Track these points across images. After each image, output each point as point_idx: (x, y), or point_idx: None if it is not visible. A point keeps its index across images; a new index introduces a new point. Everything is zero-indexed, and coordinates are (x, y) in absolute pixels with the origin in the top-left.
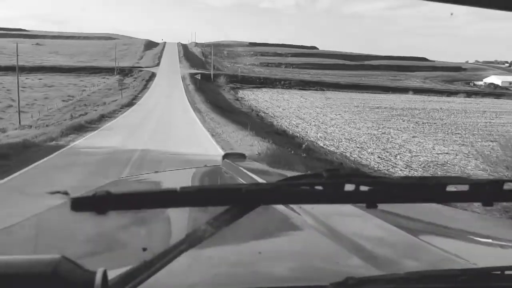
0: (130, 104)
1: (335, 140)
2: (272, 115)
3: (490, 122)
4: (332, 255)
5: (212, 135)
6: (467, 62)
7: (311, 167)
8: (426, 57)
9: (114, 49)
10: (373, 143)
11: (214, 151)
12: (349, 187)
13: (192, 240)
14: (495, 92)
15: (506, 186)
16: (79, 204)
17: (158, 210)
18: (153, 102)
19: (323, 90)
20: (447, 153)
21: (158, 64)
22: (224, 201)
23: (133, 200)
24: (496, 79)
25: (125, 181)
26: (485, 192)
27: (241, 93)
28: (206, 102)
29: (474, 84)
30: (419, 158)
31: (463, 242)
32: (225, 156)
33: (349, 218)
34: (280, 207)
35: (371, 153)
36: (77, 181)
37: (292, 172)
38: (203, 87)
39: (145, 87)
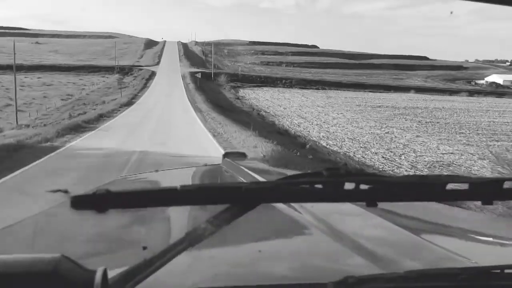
0: (129, 103)
1: (338, 140)
2: (273, 114)
3: (493, 121)
4: (332, 253)
5: (214, 135)
6: (466, 61)
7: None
8: (427, 56)
9: (114, 48)
10: (376, 143)
11: (216, 153)
12: (349, 185)
13: (192, 239)
14: (497, 91)
15: (506, 185)
16: (79, 203)
17: (158, 209)
18: (153, 101)
19: (325, 89)
20: (452, 153)
21: (158, 63)
22: (224, 199)
23: (133, 198)
24: (497, 78)
25: (125, 179)
26: (485, 191)
27: (241, 92)
28: (206, 101)
29: (476, 83)
30: (424, 158)
31: (463, 241)
32: (225, 155)
33: (349, 216)
34: (280, 206)
35: (375, 153)
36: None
37: (292, 171)
38: (204, 86)
39: (145, 86)
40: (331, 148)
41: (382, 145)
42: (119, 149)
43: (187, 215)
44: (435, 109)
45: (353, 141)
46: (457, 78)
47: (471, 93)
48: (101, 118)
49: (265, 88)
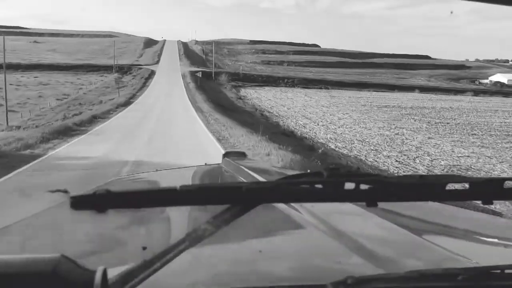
0: (127, 103)
1: (347, 142)
2: (277, 114)
3: (504, 122)
4: (332, 253)
5: (219, 140)
6: (467, 60)
7: None
8: (429, 55)
9: (113, 47)
10: (387, 145)
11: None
12: (349, 185)
13: (192, 239)
14: (502, 90)
15: (506, 185)
16: (79, 203)
17: (158, 209)
18: (152, 101)
19: (327, 88)
20: (468, 156)
21: (157, 62)
22: (225, 199)
23: (133, 198)
24: (502, 77)
25: (125, 179)
26: (485, 191)
27: (243, 92)
28: (208, 101)
29: (480, 83)
30: (440, 162)
31: (464, 241)
32: (226, 154)
33: (349, 216)
34: (281, 206)
35: (388, 156)
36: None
37: (292, 171)
38: (204, 85)
39: (144, 85)
40: (340, 151)
41: (394, 148)
42: (110, 158)
43: (187, 215)
44: (443, 109)
45: (363, 143)
46: (460, 78)
47: (476, 92)
48: (94, 119)
49: (267, 88)
